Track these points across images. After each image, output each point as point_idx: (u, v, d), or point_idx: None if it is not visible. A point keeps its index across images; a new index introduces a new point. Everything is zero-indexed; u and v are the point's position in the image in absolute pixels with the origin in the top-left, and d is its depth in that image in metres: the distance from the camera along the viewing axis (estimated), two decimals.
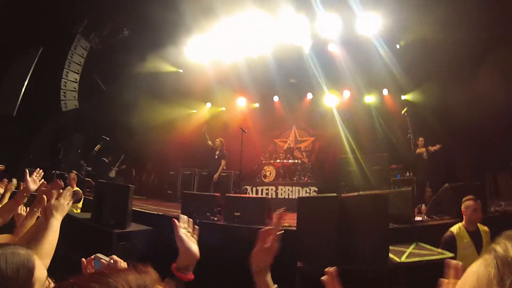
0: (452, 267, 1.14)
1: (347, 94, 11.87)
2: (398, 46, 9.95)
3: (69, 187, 2.16)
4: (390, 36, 9.69)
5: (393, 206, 4.42)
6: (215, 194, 6.65)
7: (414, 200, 5.89)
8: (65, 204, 2.01)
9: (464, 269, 0.76)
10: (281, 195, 9.64)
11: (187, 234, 1.39)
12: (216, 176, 8.46)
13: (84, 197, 7.02)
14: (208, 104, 13.28)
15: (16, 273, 1.08)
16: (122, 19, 11.60)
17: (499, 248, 0.68)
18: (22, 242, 1.85)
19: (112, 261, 1.41)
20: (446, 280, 1.13)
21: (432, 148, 8.32)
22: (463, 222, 3.84)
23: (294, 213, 4.42)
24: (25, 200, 2.67)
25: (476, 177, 6.73)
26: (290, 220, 5.36)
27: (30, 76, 10.52)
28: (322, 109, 12.09)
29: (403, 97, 10.69)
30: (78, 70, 12.04)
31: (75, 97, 11.96)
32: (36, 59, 10.56)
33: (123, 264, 1.39)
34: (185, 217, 1.45)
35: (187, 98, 12.42)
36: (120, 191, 5.52)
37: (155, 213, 6.57)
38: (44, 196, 2.20)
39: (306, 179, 9.97)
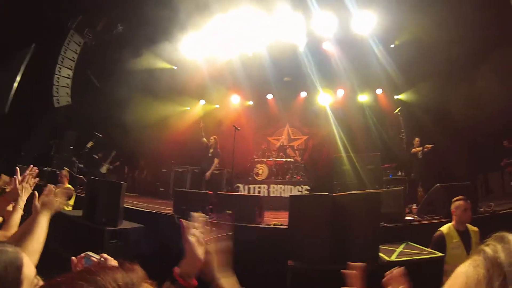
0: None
1: (341, 93, 11.94)
2: (392, 46, 10.01)
3: (60, 184, 2.14)
4: (385, 35, 9.74)
5: (385, 205, 4.45)
6: (208, 192, 6.63)
7: (405, 199, 5.95)
8: (55, 201, 1.99)
9: (452, 270, 0.77)
10: (273, 193, 9.63)
11: (198, 237, 1.24)
12: (208, 174, 8.44)
13: (76, 194, 6.96)
14: (202, 102, 13.24)
15: (4, 271, 1.07)
16: (117, 15, 11.50)
17: (488, 250, 0.69)
18: (13, 240, 1.84)
19: (102, 259, 1.40)
20: None
21: (426, 148, 8.37)
22: (453, 222, 3.88)
23: (286, 211, 4.41)
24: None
25: (467, 177, 6.80)
26: (282, 219, 5.37)
27: (23, 72, 10.37)
28: (316, 108, 12.14)
29: (397, 97, 10.76)
30: (72, 66, 11.90)
31: (68, 93, 11.82)
32: (29, 55, 10.41)
33: (113, 262, 1.37)
34: (200, 215, 1.29)
35: (181, 95, 12.36)
36: (112, 188, 5.49)
37: (147, 210, 6.53)
38: (36, 193, 2.17)
39: (298, 177, 9.99)
